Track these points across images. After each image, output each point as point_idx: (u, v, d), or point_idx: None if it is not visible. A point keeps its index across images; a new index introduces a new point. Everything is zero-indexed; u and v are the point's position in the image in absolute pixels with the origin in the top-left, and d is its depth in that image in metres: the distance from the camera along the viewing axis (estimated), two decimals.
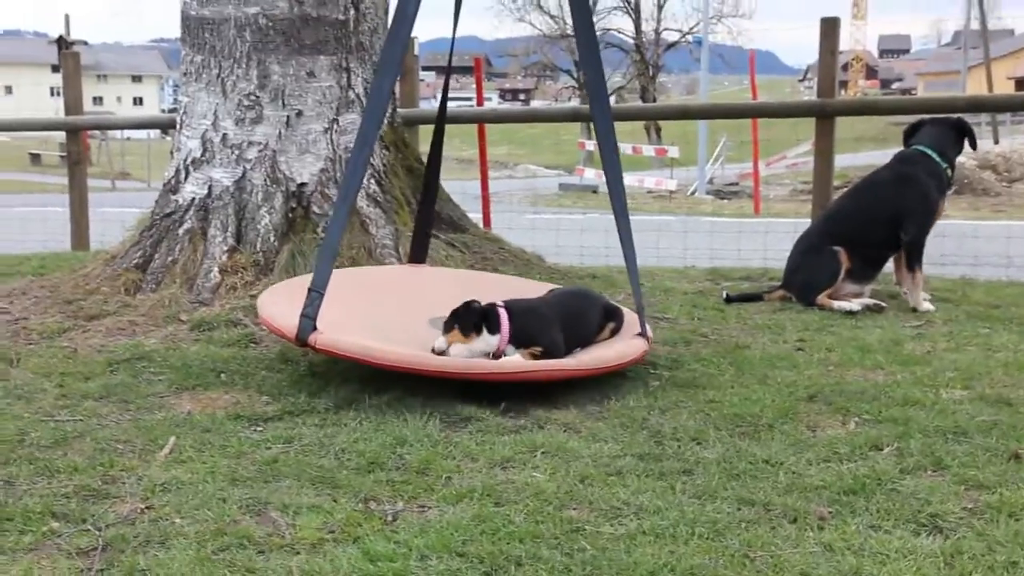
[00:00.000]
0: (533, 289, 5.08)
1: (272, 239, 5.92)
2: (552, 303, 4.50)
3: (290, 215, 5.96)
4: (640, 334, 4.55)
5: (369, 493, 3.08)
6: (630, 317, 4.79)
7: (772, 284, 6.66)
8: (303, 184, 6.02)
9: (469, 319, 4.24)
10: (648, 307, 5.30)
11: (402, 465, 3.34)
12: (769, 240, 9.67)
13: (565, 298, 4.62)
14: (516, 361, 4.19)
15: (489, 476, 3.21)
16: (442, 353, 4.18)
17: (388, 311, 4.67)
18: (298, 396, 4.12)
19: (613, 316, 4.76)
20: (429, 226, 5.67)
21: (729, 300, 6.27)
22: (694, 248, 10.11)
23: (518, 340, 4.26)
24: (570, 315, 4.44)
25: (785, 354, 4.85)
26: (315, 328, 4.03)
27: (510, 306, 4.32)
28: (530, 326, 4.26)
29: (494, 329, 4.26)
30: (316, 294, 4.07)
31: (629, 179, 20.53)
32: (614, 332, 4.72)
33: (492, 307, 4.29)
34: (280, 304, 4.34)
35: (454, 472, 3.26)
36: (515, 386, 4.05)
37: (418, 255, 5.56)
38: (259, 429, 3.75)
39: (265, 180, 5.99)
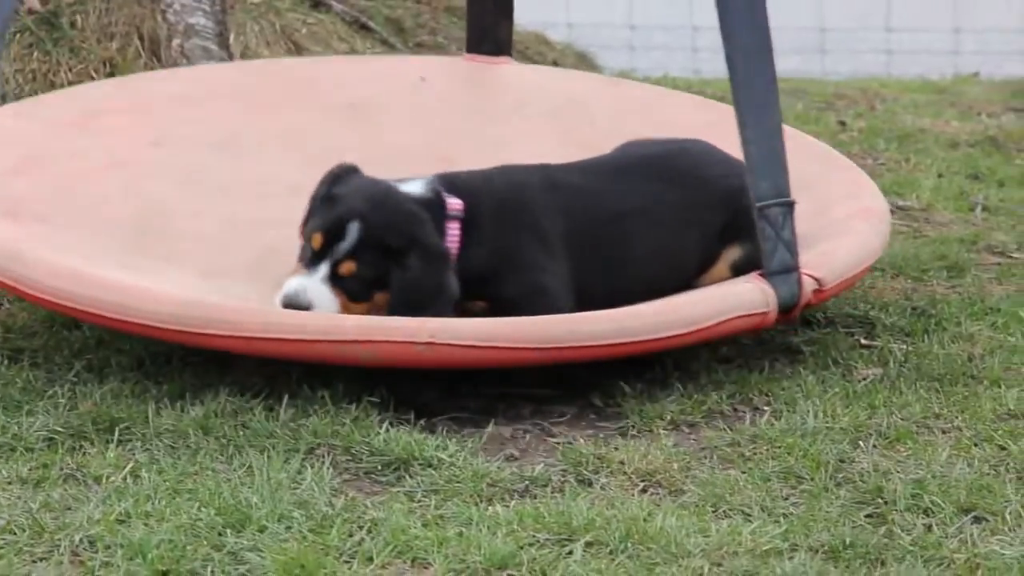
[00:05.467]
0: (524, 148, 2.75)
1: None
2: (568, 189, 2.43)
3: None
4: (763, 273, 2.35)
5: None
6: None
7: None
8: None
9: (371, 230, 2.23)
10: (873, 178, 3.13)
11: None
12: None
13: (612, 173, 2.50)
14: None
15: None
16: (296, 306, 2.26)
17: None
18: None
19: (741, 227, 2.45)
20: None
21: None
22: (977, 19, 5.57)
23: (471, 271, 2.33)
24: (610, 221, 2.41)
25: None
26: None
27: (468, 188, 2.33)
28: (499, 240, 2.31)
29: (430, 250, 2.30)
30: None
31: None
32: (740, 267, 2.50)
33: (432, 190, 2.31)
34: None
35: None
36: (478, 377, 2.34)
37: None
38: None
39: None
